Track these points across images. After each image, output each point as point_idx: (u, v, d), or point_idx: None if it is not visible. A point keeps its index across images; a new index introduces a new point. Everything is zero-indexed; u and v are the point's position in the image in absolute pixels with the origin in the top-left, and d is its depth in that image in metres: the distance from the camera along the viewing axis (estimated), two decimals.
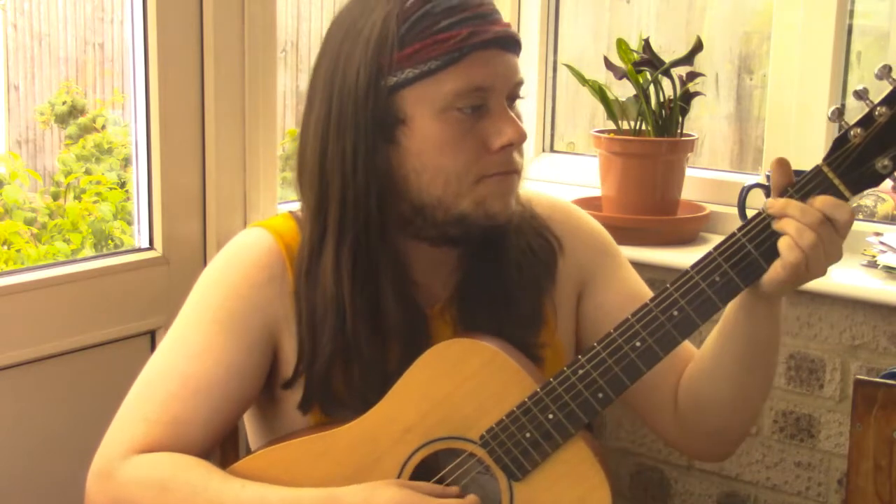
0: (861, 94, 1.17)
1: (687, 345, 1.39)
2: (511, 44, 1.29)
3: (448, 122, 1.25)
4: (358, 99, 1.26)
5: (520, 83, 1.31)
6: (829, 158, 1.17)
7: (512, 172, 1.30)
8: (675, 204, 2.22)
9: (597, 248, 1.46)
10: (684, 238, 2.18)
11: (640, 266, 2.04)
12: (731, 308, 1.29)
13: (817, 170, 1.17)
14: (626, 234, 2.14)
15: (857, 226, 2.14)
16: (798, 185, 1.18)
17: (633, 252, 2.08)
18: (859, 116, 1.17)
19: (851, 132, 1.16)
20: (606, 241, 1.48)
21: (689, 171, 2.24)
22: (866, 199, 2.34)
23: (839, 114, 1.17)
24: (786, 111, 2.18)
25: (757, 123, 2.52)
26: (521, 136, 1.29)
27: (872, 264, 1.99)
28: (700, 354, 1.38)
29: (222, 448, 1.47)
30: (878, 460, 1.48)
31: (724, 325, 1.32)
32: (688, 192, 2.25)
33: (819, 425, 2.02)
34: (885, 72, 1.15)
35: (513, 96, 1.31)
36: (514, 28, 1.33)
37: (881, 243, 2.02)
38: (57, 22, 4.29)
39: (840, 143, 1.17)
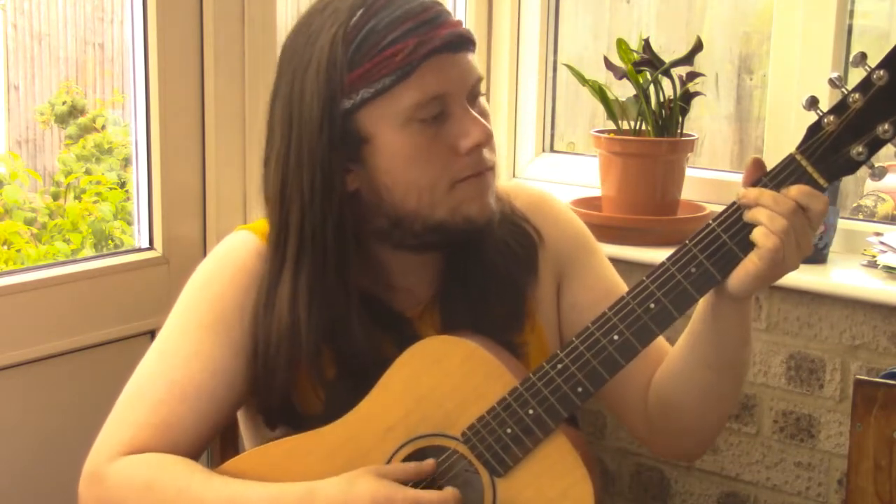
0: (835, 82, 1.16)
1: (661, 342, 1.39)
2: (462, 43, 1.27)
3: (412, 135, 1.24)
4: (314, 130, 1.25)
5: (478, 81, 1.29)
6: (802, 146, 1.16)
7: (485, 171, 1.29)
8: (675, 204, 2.22)
9: (575, 239, 1.46)
10: (684, 238, 2.18)
11: (640, 266, 2.04)
12: (699, 310, 1.28)
13: (790, 158, 1.16)
14: (626, 234, 2.15)
15: (857, 226, 2.14)
16: (772, 174, 1.17)
17: (633, 252, 2.08)
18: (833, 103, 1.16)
19: (825, 120, 1.14)
20: (584, 234, 1.47)
21: (689, 171, 2.24)
22: (866, 199, 2.34)
23: (813, 103, 1.15)
24: (786, 111, 2.18)
25: (757, 123, 2.52)
26: (487, 135, 1.27)
27: (872, 264, 1.99)
28: (670, 355, 1.37)
29: (221, 448, 1.47)
30: (878, 460, 1.49)
31: (692, 327, 1.31)
32: (688, 192, 2.25)
33: (819, 425, 2.02)
34: (859, 59, 1.13)
35: (474, 94, 1.29)
36: (465, 26, 1.28)
37: (881, 243, 2.02)
38: (57, 22, 4.29)
39: (814, 131, 1.15)
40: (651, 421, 1.40)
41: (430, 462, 1.25)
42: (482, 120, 1.28)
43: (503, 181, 1.46)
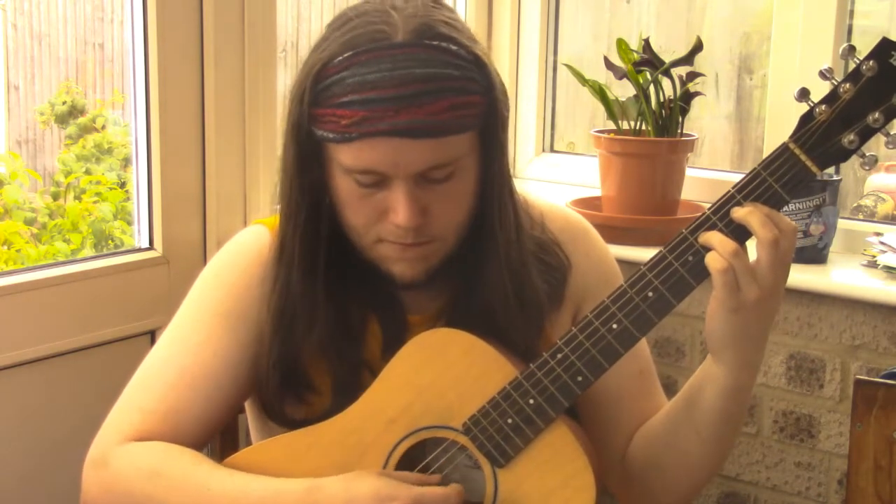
0: (826, 74, 1.18)
1: (659, 398, 1.41)
2: (421, 132, 1.18)
3: (349, 184, 1.24)
4: (289, 142, 1.26)
5: (431, 168, 1.21)
6: (795, 136, 1.17)
7: (413, 246, 1.25)
8: (675, 204, 2.22)
9: (605, 276, 1.43)
10: None
11: (639, 266, 2.04)
12: (694, 375, 1.29)
13: (784, 147, 1.17)
14: (626, 234, 2.15)
15: (857, 226, 2.15)
16: (766, 162, 1.18)
17: (634, 252, 2.08)
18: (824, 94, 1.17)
19: (817, 109, 1.16)
20: (615, 273, 1.45)
21: (689, 171, 2.24)
22: (866, 199, 2.34)
23: (804, 94, 1.17)
24: (786, 111, 2.18)
25: (757, 123, 2.52)
26: (407, 224, 1.22)
27: (872, 264, 1.99)
28: (659, 413, 1.37)
29: (221, 447, 1.47)
30: (878, 460, 1.49)
31: (685, 391, 1.31)
32: (688, 192, 2.25)
33: (819, 425, 2.02)
34: (847, 52, 1.16)
35: (425, 176, 1.22)
36: (443, 116, 1.18)
37: (881, 243, 2.02)
38: (57, 22, 4.29)
39: (806, 121, 1.17)
40: (626, 473, 1.40)
41: (436, 478, 1.25)
42: (413, 207, 1.22)
43: (542, 201, 1.43)
